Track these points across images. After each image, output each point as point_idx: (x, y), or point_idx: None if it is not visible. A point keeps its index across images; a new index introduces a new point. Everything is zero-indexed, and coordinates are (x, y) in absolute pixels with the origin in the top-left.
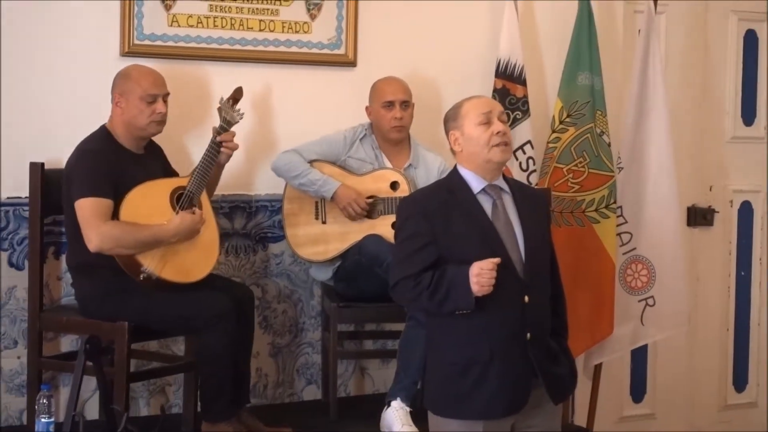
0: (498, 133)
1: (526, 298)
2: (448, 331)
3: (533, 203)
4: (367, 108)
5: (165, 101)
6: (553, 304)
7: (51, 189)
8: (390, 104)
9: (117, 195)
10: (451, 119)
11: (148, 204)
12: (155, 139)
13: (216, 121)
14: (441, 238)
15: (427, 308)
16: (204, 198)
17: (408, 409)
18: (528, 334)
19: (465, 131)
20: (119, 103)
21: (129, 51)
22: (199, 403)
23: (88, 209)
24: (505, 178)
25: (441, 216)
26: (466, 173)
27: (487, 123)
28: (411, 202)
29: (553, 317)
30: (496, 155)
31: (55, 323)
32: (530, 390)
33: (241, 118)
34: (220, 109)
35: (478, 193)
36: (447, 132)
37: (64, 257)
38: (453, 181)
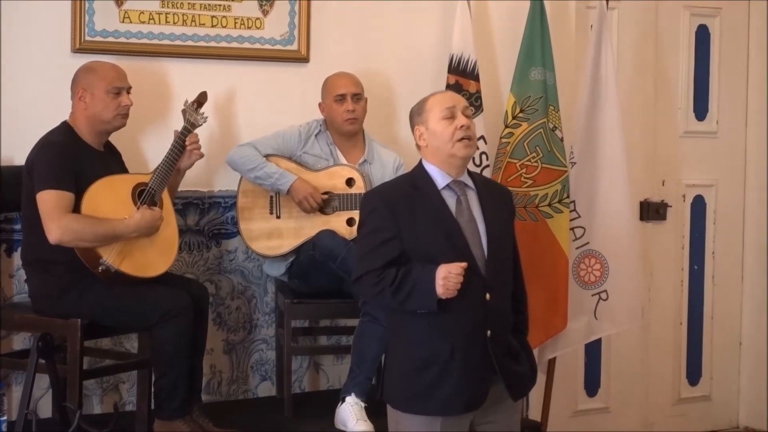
0: (462, 127)
1: (488, 296)
2: (409, 327)
3: (498, 199)
4: (320, 105)
5: (128, 94)
6: (514, 301)
7: (2, 186)
8: (341, 97)
9: (77, 189)
10: (416, 114)
11: (111, 198)
12: (114, 141)
13: (174, 119)
14: (404, 233)
15: (389, 305)
16: (165, 196)
17: (363, 404)
18: (488, 332)
19: (429, 126)
20: (83, 97)
21: (80, 47)
22: (152, 401)
23: (49, 202)
24: (470, 173)
25: (405, 211)
26: (431, 168)
27: (451, 117)
28: (375, 195)
29: (515, 314)
30: (460, 150)
31: (8, 321)
32: (489, 387)
33: (204, 122)
34: (184, 111)
35: (442, 188)
36: (412, 127)
37: (16, 254)
38: (418, 176)
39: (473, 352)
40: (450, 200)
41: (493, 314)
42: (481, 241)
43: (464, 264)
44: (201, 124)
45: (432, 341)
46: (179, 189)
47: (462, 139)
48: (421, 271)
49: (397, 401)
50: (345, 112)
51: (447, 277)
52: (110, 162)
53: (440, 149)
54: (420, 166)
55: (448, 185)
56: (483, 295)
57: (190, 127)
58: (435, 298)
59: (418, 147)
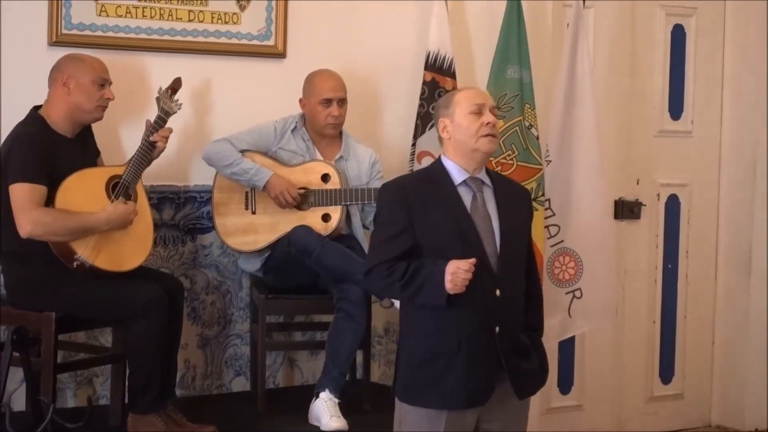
0: (488, 124)
1: (498, 292)
2: (418, 320)
3: (515, 198)
4: (301, 100)
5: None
6: (529, 299)
7: None
8: (328, 102)
9: (51, 181)
10: (442, 107)
11: (84, 191)
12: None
13: (151, 113)
14: (418, 226)
15: (399, 298)
16: (140, 188)
17: (336, 400)
18: (497, 328)
19: (455, 119)
20: (67, 83)
21: (57, 40)
22: (126, 395)
23: (21, 195)
24: (488, 171)
25: (420, 204)
26: (449, 164)
27: (479, 113)
28: (391, 188)
29: (529, 312)
30: (484, 145)
31: None
32: (495, 383)
33: (179, 109)
34: (158, 99)
35: (458, 184)
36: (436, 120)
37: None
38: (436, 171)
39: (480, 346)
40: (466, 196)
41: (502, 310)
42: (494, 238)
43: (473, 260)
44: (176, 112)
45: (439, 335)
46: (154, 183)
47: (487, 135)
48: (432, 266)
49: (403, 393)
50: (329, 117)
51: (455, 273)
52: (84, 148)
53: (464, 143)
54: (438, 161)
55: (464, 181)
56: (493, 291)
57: (164, 116)
58: (444, 294)
59: (440, 140)
